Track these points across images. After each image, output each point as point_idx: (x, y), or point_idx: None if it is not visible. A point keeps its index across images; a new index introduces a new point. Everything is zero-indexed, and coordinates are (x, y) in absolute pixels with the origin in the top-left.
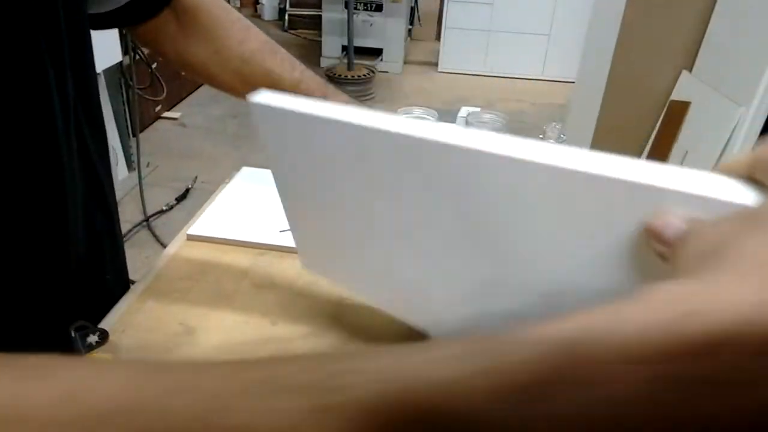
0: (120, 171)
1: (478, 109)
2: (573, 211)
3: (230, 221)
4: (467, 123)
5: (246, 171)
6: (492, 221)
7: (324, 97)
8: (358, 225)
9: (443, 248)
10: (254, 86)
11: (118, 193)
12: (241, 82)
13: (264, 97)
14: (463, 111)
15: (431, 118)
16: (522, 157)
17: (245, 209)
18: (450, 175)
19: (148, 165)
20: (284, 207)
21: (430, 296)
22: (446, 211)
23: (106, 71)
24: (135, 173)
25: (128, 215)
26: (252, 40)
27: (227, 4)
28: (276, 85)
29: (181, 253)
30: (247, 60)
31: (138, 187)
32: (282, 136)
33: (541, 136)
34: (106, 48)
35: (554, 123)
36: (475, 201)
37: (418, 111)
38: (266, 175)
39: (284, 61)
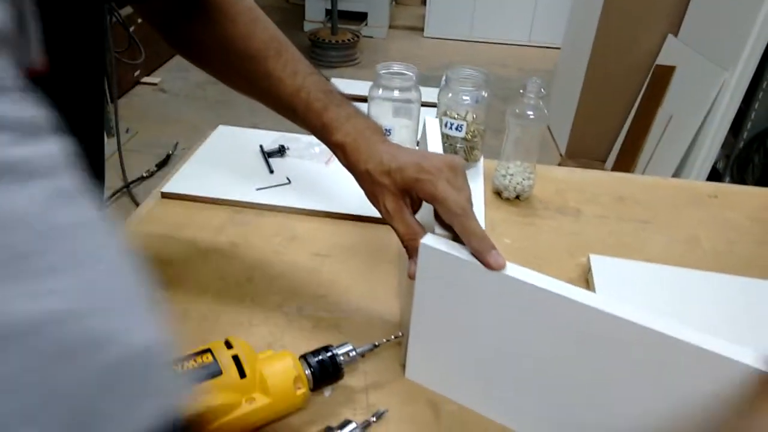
0: None
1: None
2: (666, 371)
3: (206, 179)
4: (447, 78)
5: (222, 129)
6: (598, 369)
7: (324, 108)
8: (479, 348)
9: (548, 378)
10: (254, 85)
11: None
12: (240, 78)
13: (429, 239)
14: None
15: (410, 73)
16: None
17: (221, 167)
18: (576, 327)
19: (127, 131)
20: (412, 325)
21: (524, 409)
22: (562, 352)
23: None
24: (114, 139)
25: (108, 182)
26: (257, 38)
27: None
28: (274, 88)
29: (155, 211)
30: (249, 58)
31: (118, 154)
32: (437, 270)
33: (521, 91)
34: None
35: (535, 78)
36: (589, 350)
37: (397, 67)
38: (242, 133)
39: (287, 65)
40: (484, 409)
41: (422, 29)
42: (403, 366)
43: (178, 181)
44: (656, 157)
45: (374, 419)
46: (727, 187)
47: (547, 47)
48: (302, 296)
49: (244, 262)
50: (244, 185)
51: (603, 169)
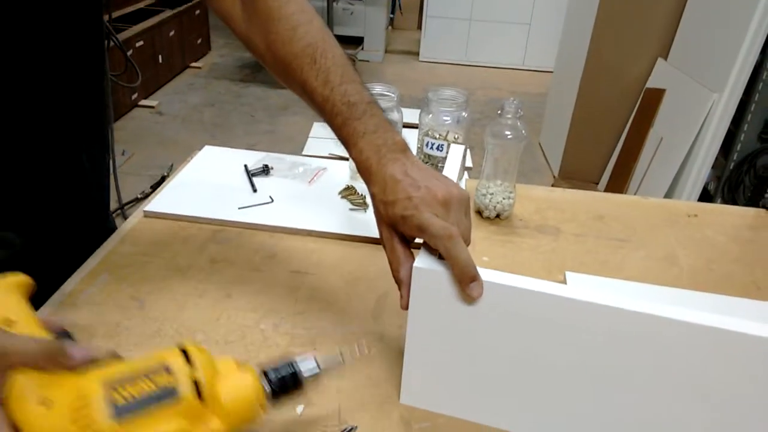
0: None
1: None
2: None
3: (189, 198)
4: (429, 99)
5: (208, 150)
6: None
7: (343, 123)
8: (482, 363)
9: (553, 383)
10: (295, 90)
11: None
12: (283, 80)
13: (420, 261)
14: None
15: (392, 94)
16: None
17: (205, 187)
18: (577, 327)
19: (123, 153)
20: (407, 349)
21: (531, 418)
22: (566, 356)
23: None
24: (110, 161)
25: None
26: (296, 42)
27: None
28: (308, 97)
29: (137, 230)
30: (288, 63)
31: (113, 176)
32: (431, 291)
33: (499, 111)
34: None
35: (512, 98)
36: (594, 350)
37: (379, 88)
38: (228, 153)
39: (320, 74)
40: (491, 422)
41: (417, 53)
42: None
43: (161, 201)
44: (648, 179)
45: None
46: (706, 206)
47: (541, 71)
48: (279, 313)
49: (223, 279)
50: (227, 204)
51: (596, 190)
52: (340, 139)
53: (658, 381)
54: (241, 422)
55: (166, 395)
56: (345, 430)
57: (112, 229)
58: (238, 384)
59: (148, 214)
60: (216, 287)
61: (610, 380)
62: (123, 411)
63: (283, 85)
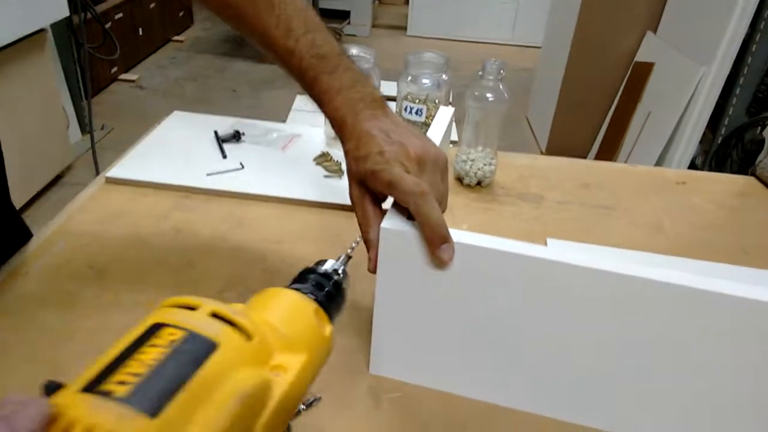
0: (72, 134)
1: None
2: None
3: (154, 165)
4: (407, 62)
5: (177, 115)
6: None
7: (315, 78)
8: (456, 327)
9: (529, 344)
10: (257, 45)
11: (70, 157)
12: (235, 27)
13: (388, 222)
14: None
15: (368, 56)
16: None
17: (172, 153)
18: (551, 288)
19: (102, 128)
20: (376, 317)
21: (508, 382)
22: (542, 318)
23: (54, 27)
24: (88, 136)
25: (80, 178)
26: None
27: None
28: (271, 50)
29: (97, 197)
30: (242, 10)
31: (91, 151)
32: (400, 254)
33: (480, 72)
34: (52, 1)
35: (493, 59)
36: (560, 310)
37: (355, 50)
38: (198, 119)
39: (280, 21)
40: (464, 389)
41: (405, 28)
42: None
43: (124, 167)
44: (635, 153)
45: (304, 407)
46: (695, 174)
47: (530, 46)
48: (245, 282)
49: (186, 248)
50: (195, 171)
51: None
52: (311, 95)
53: (640, 345)
54: (319, 353)
55: (198, 349)
56: (307, 402)
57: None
58: (286, 306)
59: (110, 180)
60: (178, 257)
61: (590, 346)
62: (138, 398)
63: (267, 59)
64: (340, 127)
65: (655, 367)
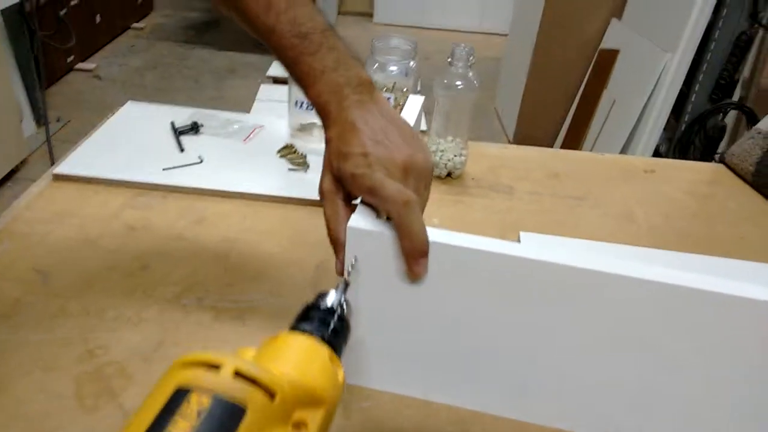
0: (27, 127)
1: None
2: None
3: (106, 159)
4: (375, 48)
5: (131, 106)
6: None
7: (296, 59)
8: (431, 331)
9: (508, 348)
10: (241, 24)
11: (25, 151)
12: (221, 9)
13: (356, 220)
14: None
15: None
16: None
17: (125, 146)
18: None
19: (58, 120)
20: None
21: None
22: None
23: (5, 13)
24: (43, 129)
25: (36, 174)
26: None
27: None
28: (252, 27)
29: (45, 194)
30: None
31: (47, 144)
32: (369, 256)
33: (449, 59)
34: None
35: (462, 44)
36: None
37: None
38: (153, 110)
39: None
40: (439, 396)
41: (371, 15)
42: None
43: (73, 162)
44: (600, 141)
45: None
46: (663, 162)
47: (497, 34)
48: (204, 285)
49: (140, 249)
50: (150, 165)
51: None
52: (293, 77)
53: (618, 342)
54: (335, 401)
55: (226, 417)
56: None
57: None
58: (303, 357)
59: (58, 177)
60: (131, 258)
61: (568, 345)
62: None
63: (229, 46)
64: (323, 114)
65: (638, 368)
